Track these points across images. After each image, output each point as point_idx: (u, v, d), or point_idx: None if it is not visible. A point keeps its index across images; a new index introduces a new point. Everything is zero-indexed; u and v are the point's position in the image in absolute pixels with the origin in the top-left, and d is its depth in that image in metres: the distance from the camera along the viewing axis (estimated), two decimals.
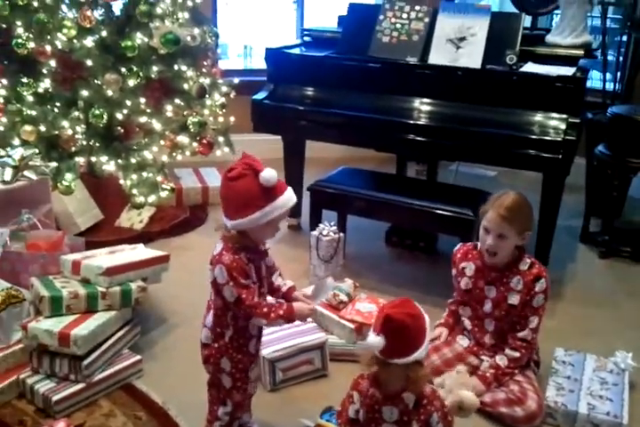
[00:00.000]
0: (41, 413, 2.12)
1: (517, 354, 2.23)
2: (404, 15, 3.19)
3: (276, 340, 2.34)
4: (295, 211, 3.60)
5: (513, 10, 3.58)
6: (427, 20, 3.14)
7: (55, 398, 2.09)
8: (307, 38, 3.66)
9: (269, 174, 1.65)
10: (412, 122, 3.01)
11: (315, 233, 2.96)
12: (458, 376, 2.22)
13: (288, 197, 1.71)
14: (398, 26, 3.19)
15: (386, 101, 3.08)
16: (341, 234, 2.97)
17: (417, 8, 3.18)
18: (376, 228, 3.45)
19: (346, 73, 3.15)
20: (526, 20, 3.25)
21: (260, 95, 3.36)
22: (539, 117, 2.83)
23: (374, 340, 1.57)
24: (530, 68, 2.96)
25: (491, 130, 2.86)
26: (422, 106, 3.04)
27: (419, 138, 3.00)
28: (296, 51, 3.45)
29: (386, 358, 1.59)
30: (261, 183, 1.65)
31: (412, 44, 3.14)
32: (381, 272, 3.16)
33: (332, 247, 2.92)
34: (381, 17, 3.22)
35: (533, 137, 2.79)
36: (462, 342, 2.40)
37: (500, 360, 2.25)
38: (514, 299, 2.22)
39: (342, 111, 3.13)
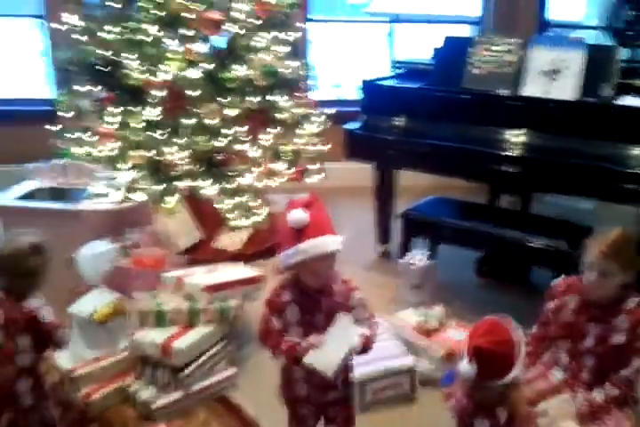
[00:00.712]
0: (142, 418, 2.22)
1: (617, 392, 2.12)
2: (496, 48, 3.23)
3: (365, 362, 2.33)
4: (384, 238, 3.64)
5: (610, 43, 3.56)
6: (519, 52, 3.17)
7: (155, 405, 2.19)
8: (398, 70, 3.74)
9: (295, 217, 1.63)
10: (504, 153, 3.01)
11: (404, 260, 2.99)
12: (563, 406, 2.15)
13: (315, 244, 1.62)
14: (490, 58, 3.23)
15: (478, 132, 3.11)
16: (432, 261, 2.99)
17: (509, 41, 3.22)
18: (466, 256, 3.43)
19: (439, 104, 3.21)
20: (624, 53, 3.22)
21: (354, 125, 3.45)
22: (638, 151, 2.77)
23: (466, 368, 1.58)
24: (628, 100, 2.93)
25: (588, 162, 2.81)
26: (514, 137, 3.04)
27: (512, 169, 2.99)
28: (390, 82, 3.54)
29: (480, 382, 1.60)
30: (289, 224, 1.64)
31: (504, 75, 3.17)
32: (471, 301, 3.14)
33: (421, 274, 2.94)
34: (473, 49, 3.27)
35: (632, 171, 2.73)
36: (557, 374, 2.34)
37: (598, 395, 2.18)
38: (618, 338, 2.13)
39: (435, 141, 3.17)
